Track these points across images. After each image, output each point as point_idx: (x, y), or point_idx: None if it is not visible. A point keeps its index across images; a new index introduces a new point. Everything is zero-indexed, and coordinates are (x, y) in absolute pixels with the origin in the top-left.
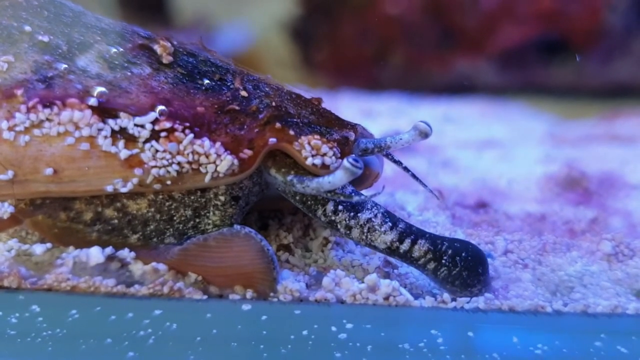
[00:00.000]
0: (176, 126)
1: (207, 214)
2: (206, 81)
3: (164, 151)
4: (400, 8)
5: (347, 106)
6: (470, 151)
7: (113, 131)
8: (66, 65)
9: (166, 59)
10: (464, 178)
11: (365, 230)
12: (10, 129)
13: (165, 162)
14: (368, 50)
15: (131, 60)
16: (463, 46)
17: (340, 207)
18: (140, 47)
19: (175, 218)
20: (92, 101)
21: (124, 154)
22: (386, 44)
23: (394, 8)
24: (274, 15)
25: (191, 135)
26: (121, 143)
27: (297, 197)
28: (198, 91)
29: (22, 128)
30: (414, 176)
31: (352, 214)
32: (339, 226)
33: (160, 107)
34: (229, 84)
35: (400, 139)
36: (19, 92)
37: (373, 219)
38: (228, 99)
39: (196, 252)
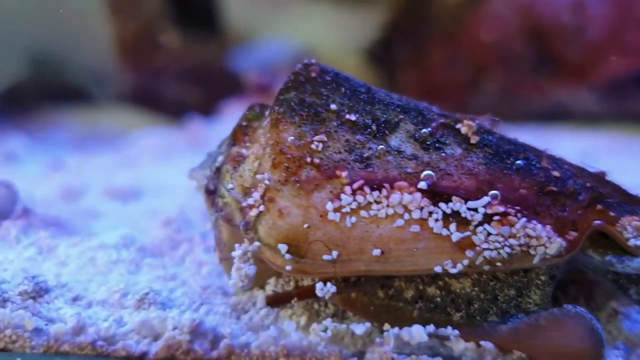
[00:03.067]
0: (509, 210)
1: (529, 293)
2: (516, 161)
3: (497, 234)
4: (495, 35)
5: None
6: None
7: (445, 214)
8: (382, 146)
9: (473, 139)
10: None
11: None
12: (336, 210)
13: (497, 245)
14: (459, 76)
15: (440, 140)
16: (564, 74)
17: None
18: (444, 127)
19: (499, 297)
20: (422, 185)
21: (456, 236)
22: (479, 69)
23: (489, 34)
24: (349, 39)
25: (524, 219)
26: (453, 226)
27: (609, 275)
28: (511, 172)
29: (349, 209)
30: None
31: None
32: None
33: (493, 192)
34: (533, 162)
35: None
36: (343, 173)
37: None
38: (543, 180)
39: (527, 332)
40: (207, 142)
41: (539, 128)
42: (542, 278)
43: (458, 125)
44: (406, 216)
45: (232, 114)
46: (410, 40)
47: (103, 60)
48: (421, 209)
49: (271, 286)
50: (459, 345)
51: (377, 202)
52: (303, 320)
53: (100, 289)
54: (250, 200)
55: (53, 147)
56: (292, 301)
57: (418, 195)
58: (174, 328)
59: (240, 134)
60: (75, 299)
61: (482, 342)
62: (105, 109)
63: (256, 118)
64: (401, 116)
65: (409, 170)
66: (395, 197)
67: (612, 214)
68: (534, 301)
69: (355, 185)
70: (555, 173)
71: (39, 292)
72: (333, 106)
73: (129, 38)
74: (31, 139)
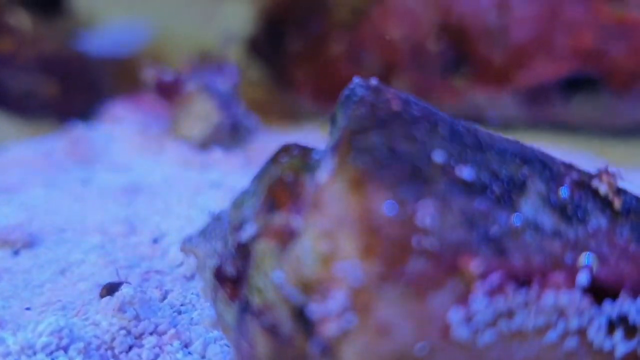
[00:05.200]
0: None
1: None
2: None
3: None
4: (405, 30)
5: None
6: None
7: (609, 319)
8: (516, 220)
9: (617, 203)
10: None
11: None
12: (464, 321)
13: None
14: (364, 73)
15: (581, 206)
16: (484, 77)
17: None
18: (579, 186)
19: None
20: (582, 279)
21: (620, 350)
22: (387, 67)
23: (397, 30)
24: (232, 27)
25: None
26: (618, 335)
27: None
28: None
29: (482, 320)
30: None
31: None
32: None
33: None
34: None
35: None
36: (472, 263)
37: None
38: None
39: None
40: (98, 155)
41: None
42: None
43: (595, 182)
44: (561, 326)
45: (121, 120)
46: (304, 30)
47: None
48: (581, 313)
49: None
50: None
51: (525, 307)
52: None
53: None
54: (329, 309)
55: None
56: None
57: (577, 293)
58: None
59: (285, 196)
60: None
61: None
62: None
63: (304, 170)
64: (525, 171)
65: (559, 255)
66: (549, 297)
67: None
68: None
69: (492, 281)
70: None
71: None
72: (437, 158)
73: None
74: None
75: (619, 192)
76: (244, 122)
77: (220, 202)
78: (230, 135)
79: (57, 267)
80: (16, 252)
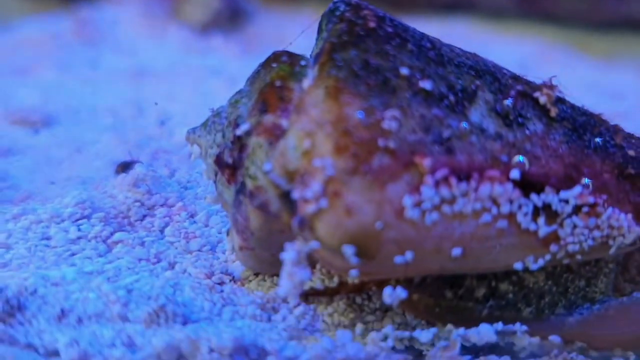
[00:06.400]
0: (598, 200)
1: (596, 283)
2: (595, 138)
3: (584, 227)
4: None
5: None
6: None
7: (535, 207)
8: (465, 124)
9: (553, 111)
10: None
11: None
12: (415, 205)
13: (582, 238)
14: None
15: (522, 114)
16: None
17: None
18: (522, 96)
19: (569, 289)
20: (514, 174)
21: (543, 231)
22: None
23: None
24: None
25: (610, 210)
26: (542, 219)
27: None
28: (590, 151)
29: (430, 205)
30: None
31: None
32: None
33: (585, 180)
34: (609, 139)
35: None
36: (424, 161)
37: None
38: (621, 161)
39: (596, 323)
40: (104, 37)
41: (443, 23)
42: (610, 266)
43: (536, 94)
44: (494, 210)
45: (126, 0)
46: None
47: None
48: (511, 202)
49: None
50: (524, 340)
51: (464, 196)
52: (347, 320)
53: (87, 295)
54: (307, 193)
55: None
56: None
57: (509, 186)
58: (211, 350)
59: (274, 98)
60: (61, 316)
61: (550, 337)
62: None
63: (291, 76)
64: (477, 82)
65: (497, 154)
66: (485, 189)
67: None
68: (599, 290)
69: (438, 176)
70: (631, 152)
71: (10, 311)
72: (404, 71)
73: None
74: None
75: (557, 102)
76: (244, 6)
77: (219, 89)
78: (230, 20)
79: (74, 145)
80: (36, 131)
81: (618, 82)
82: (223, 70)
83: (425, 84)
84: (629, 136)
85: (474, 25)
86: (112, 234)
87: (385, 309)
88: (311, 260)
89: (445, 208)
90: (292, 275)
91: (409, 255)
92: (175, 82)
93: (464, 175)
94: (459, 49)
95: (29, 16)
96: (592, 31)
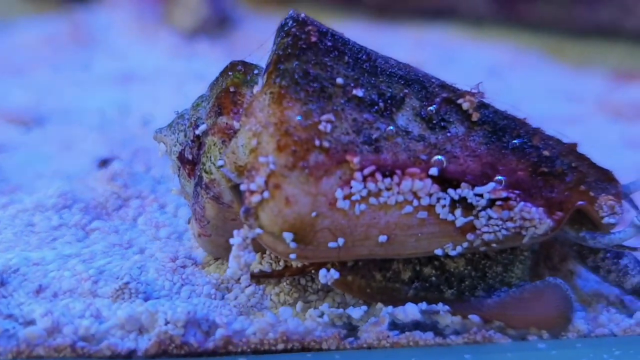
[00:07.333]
0: (510, 195)
1: (513, 269)
2: (512, 140)
3: (498, 218)
4: None
5: None
6: None
7: (452, 200)
8: (392, 127)
9: (475, 116)
10: None
11: (620, 274)
12: (345, 197)
13: (496, 228)
14: None
15: (445, 118)
16: None
17: (608, 255)
18: (447, 102)
19: (488, 274)
20: (433, 171)
21: (460, 221)
22: None
23: None
24: None
25: (522, 204)
26: (459, 211)
27: (575, 247)
28: (508, 151)
29: (359, 197)
30: None
31: (615, 260)
32: (601, 271)
33: (499, 177)
34: (526, 140)
35: None
36: (354, 159)
37: (628, 264)
38: (536, 160)
39: (512, 305)
40: (97, 40)
41: (423, 29)
42: (525, 254)
43: (460, 101)
44: (415, 203)
45: (119, 4)
46: None
47: None
48: (430, 195)
49: (256, 262)
50: (445, 319)
51: (388, 189)
52: (291, 299)
53: (63, 273)
54: (252, 186)
55: None
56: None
57: (428, 181)
58: (167, 322)
59: (228, 102)
60: (39, 291)
61: (470, 316)
62: None
63: (244, 83)
64: (406, 90)
65: (419, 154)
66: (407, 184)
67: (592, 194)
68: (516, 275)
69: (366, 172)
70: (546, 153)
71: None
72: (339, 80)
73: None
74: None
75: (480, 107)
76: (232, 13)
77: (201, 93)
78: (218, 25)
79: (63, 143)
80: (29, 129)
81: (583, 87)
82: (206, 75)
83: (358, 92)
84: (548, 138)
85: (453, 31)
86: (90, 222)
87: (328, 290)
88: (262, 247)
89: (372, 200)
90: (239, 258)
91: (341, 241)
92: (161, 86)
93: (388, 172)
94: (394, 60)
95: (25, 18)
96: (566, 37)
